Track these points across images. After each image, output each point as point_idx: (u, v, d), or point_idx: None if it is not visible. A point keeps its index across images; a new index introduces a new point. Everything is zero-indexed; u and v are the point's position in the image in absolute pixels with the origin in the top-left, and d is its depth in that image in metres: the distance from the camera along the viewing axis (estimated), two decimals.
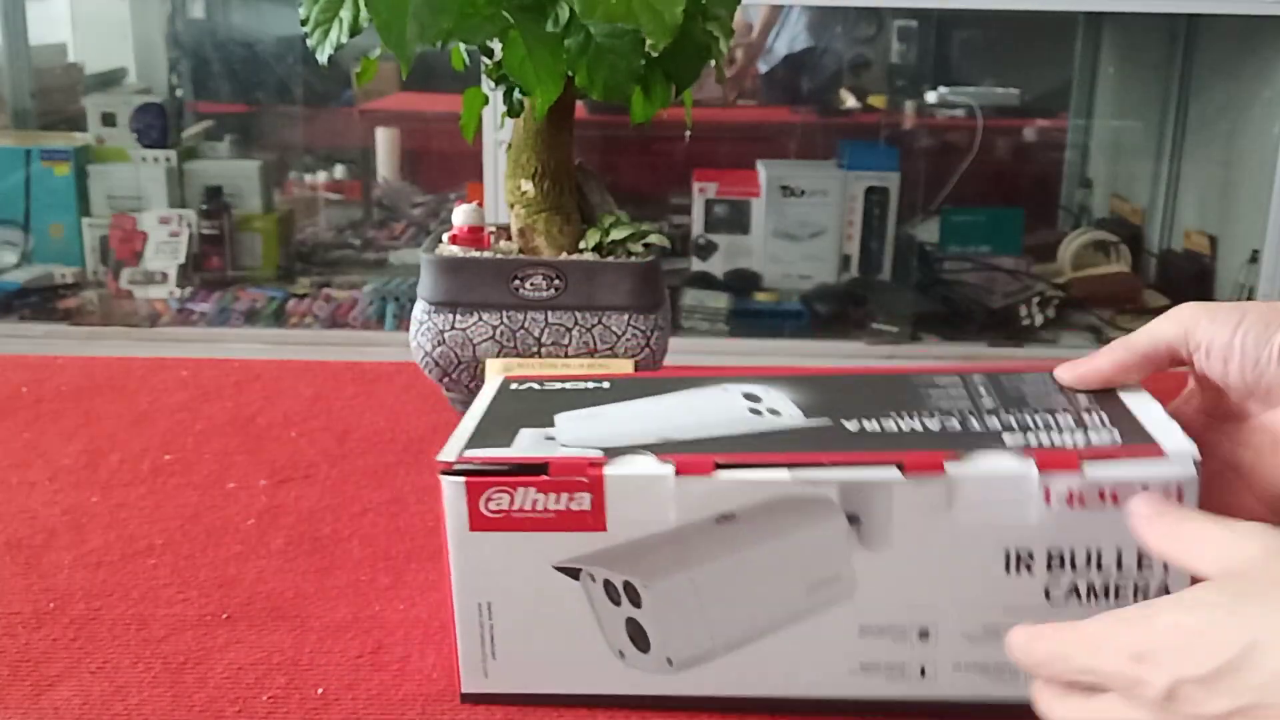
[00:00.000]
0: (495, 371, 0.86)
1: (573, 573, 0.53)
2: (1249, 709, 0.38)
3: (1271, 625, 0.39)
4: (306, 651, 0.60)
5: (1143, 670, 0.41)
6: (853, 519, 0.52)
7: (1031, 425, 0.54)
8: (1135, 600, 0.52)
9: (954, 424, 0.55)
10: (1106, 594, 0.52)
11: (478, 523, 0.53)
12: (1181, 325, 0.55)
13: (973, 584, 0.52)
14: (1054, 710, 0.45)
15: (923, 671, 0.54)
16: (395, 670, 0.59)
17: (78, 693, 0.57)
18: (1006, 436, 0.54)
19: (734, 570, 0.52)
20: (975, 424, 0.55)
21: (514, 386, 0.63)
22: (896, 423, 0.56)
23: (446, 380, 0.90)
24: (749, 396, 0.60)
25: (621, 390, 0.62)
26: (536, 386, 0.63)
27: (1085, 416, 0.55)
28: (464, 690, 0.56)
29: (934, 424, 0.55)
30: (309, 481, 0.81)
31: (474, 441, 0.55)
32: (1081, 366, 0.59)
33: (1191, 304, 0.56)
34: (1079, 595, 0.52)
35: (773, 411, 0.58)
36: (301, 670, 0.59)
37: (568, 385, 0.63)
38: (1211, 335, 0.54)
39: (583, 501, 0.52)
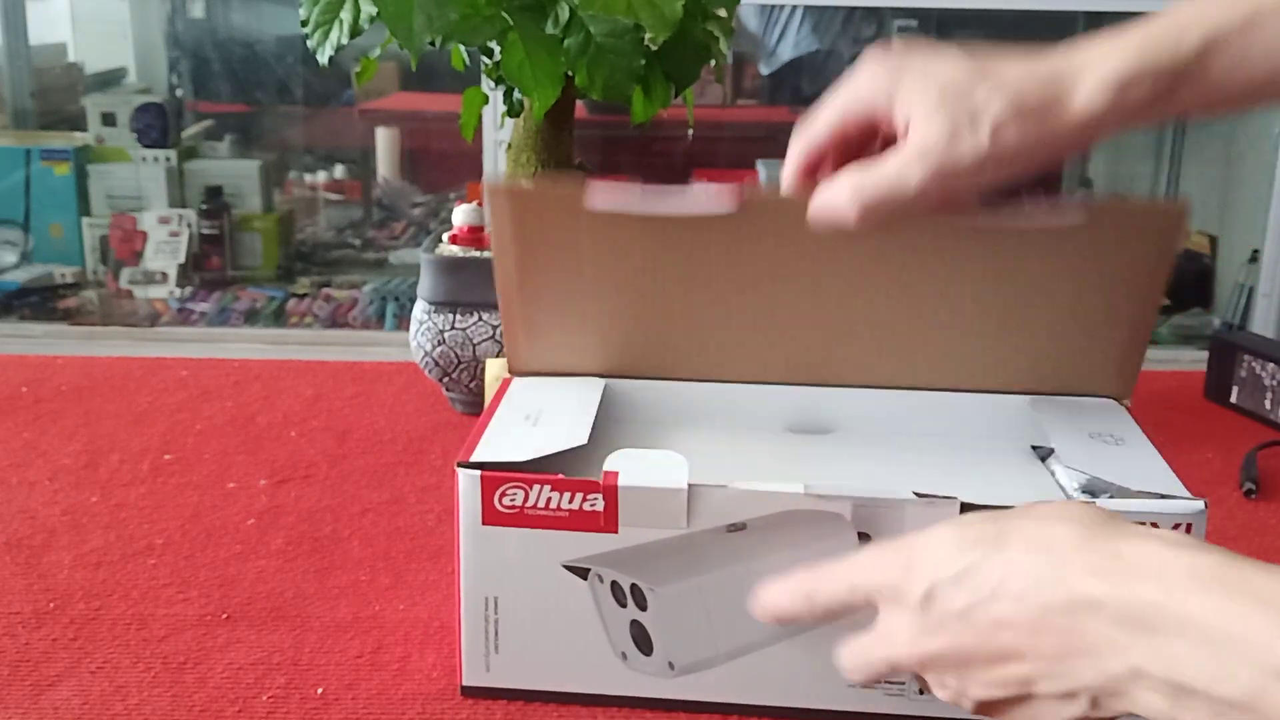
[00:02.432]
0: (495, 371, 0.86)
1: (581, 572, 0.53)
2: (977, 604, 0.41)
3: (1006, 540, 0.42)
4: (306, 651, 0.60)
5: (908, 577, 0.43)
6: (862, 536, 0.52)
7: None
8: None
9: None
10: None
11: (490, 517, 0.53)
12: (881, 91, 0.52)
13: None
14: (845, 657, 0.46)
15: (921, 690, 0.54)
16: (395, 670, 0.59)
17: (78, 693, 0.57)
18: None
19: (741, 579, 0.52)
20: None
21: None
22: None
23: (446, 380, 0.90)
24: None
25: None
26: None
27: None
28: (464, 683, 0.56)
29: None
30: (309, 481, 0.81)
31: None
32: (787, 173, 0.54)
33: (883, 62, 0.52)
34: None
35: None
36: (301, 670, 0.59)
37: None
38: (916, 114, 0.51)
39: (596, 503, 0.52)
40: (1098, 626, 0.39)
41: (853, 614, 0.45)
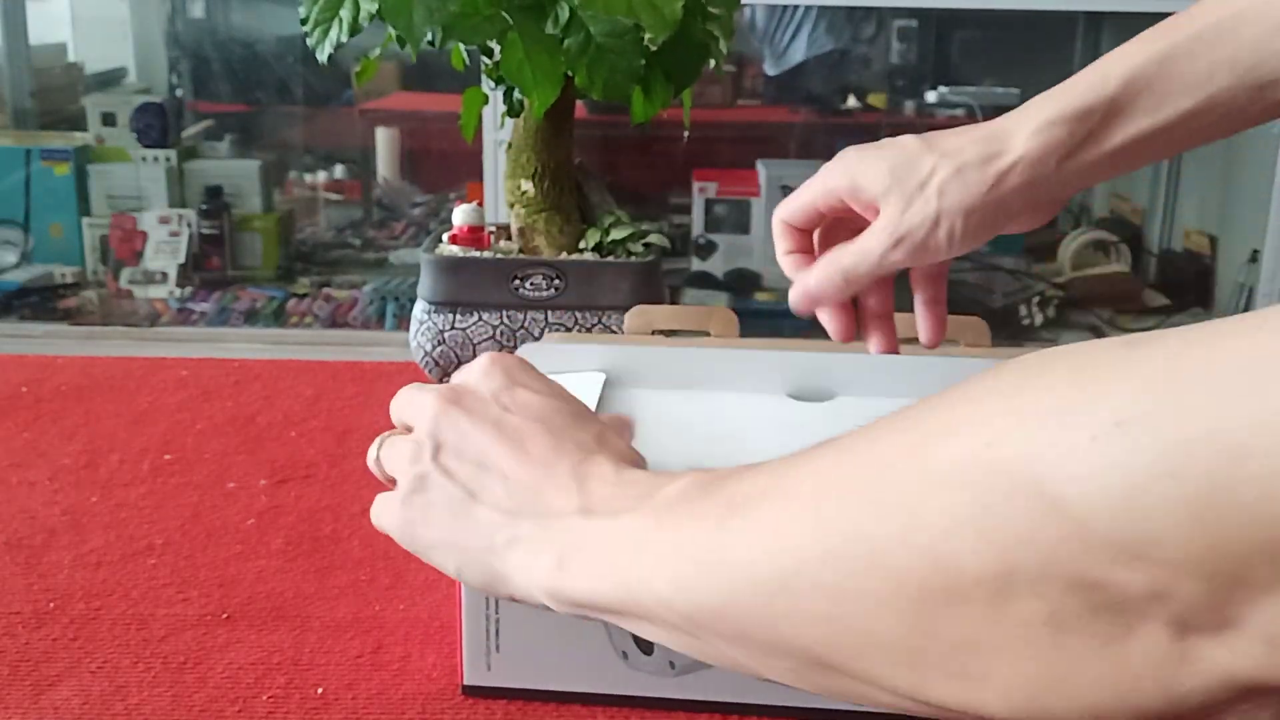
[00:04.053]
0: None
1: None
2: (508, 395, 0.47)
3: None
4: (306, 651, 0.60)
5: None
6: None
7: None
8: None
9: None
10: None
11: None
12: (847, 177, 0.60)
13: None
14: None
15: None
16: (395, 669, 0.59)
17: (78, 693, 0.57)
18: None
19: None
20: None
21: None
22: None
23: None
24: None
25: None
26: None
27: None
28: (465, 682, 0.56)
29: None
30: (309, 481, 0.81)
31: None
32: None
33: (852, 155, 0.60)
34: None
35: None
36: (301, 670, 0.59)
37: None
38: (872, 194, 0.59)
39: None
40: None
41: None
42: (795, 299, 0.62)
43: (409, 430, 0.48)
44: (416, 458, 0.46)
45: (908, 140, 0.59)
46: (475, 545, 0.44)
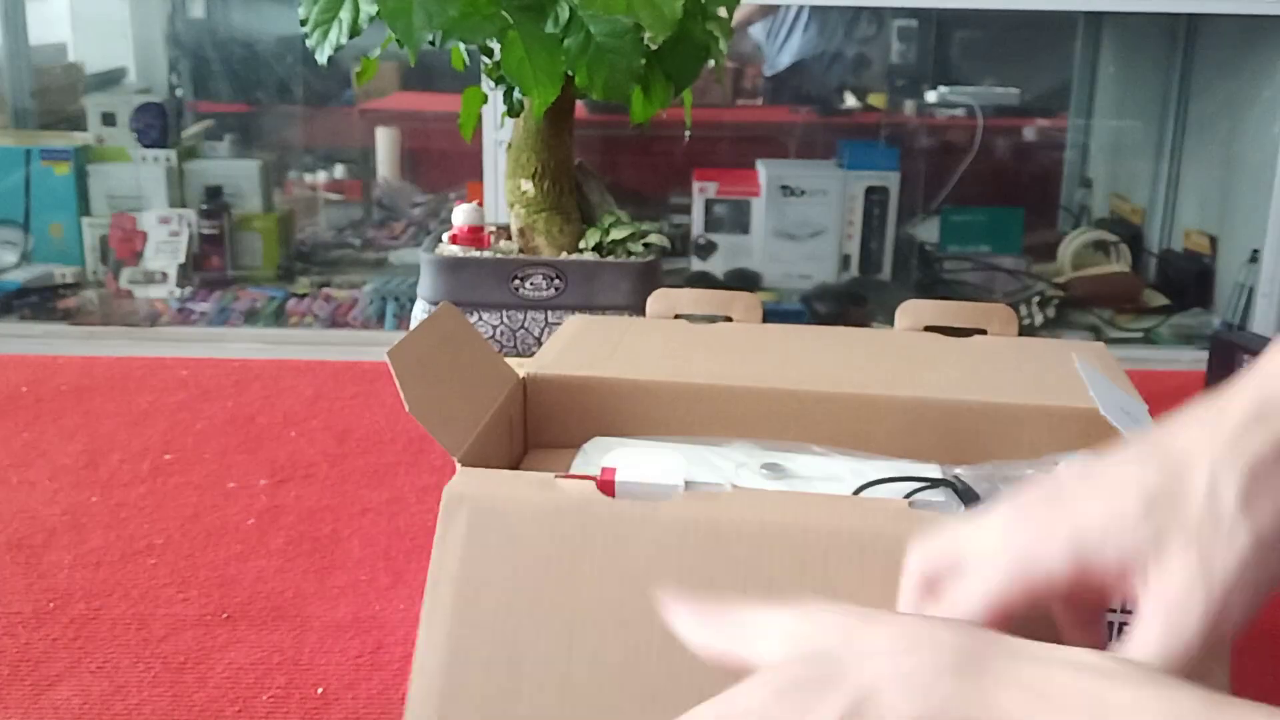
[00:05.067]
0: None
1: None
2: None
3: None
4: (306, 651, 0.60)
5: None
6: None
7: None
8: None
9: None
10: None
11: None
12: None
13: None
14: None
15: None
16: (395, 670, 0.59)
17: (78, 692, 0.57)
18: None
19: None
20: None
21: None
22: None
23: None
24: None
25: None
26: None
27: None
28: None
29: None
30: (309, 481, 0.81)
31: None
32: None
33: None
34: None
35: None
36: (301, 670, 0.59)
37: None
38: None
39: None
40: None
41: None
42: None
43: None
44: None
45: (1112, 458, 0.37)
46: None
